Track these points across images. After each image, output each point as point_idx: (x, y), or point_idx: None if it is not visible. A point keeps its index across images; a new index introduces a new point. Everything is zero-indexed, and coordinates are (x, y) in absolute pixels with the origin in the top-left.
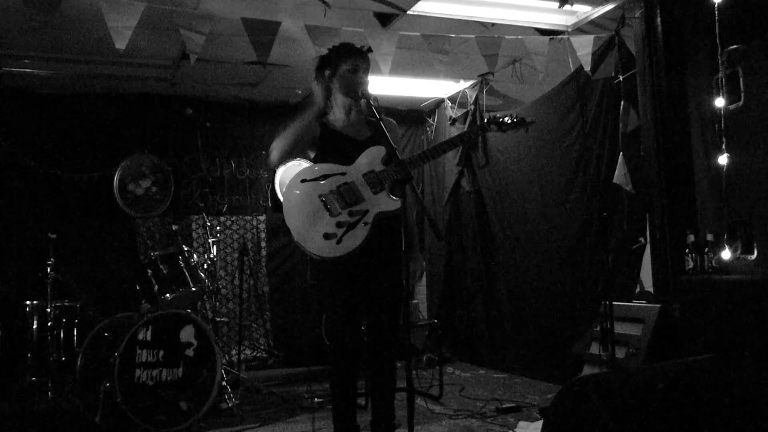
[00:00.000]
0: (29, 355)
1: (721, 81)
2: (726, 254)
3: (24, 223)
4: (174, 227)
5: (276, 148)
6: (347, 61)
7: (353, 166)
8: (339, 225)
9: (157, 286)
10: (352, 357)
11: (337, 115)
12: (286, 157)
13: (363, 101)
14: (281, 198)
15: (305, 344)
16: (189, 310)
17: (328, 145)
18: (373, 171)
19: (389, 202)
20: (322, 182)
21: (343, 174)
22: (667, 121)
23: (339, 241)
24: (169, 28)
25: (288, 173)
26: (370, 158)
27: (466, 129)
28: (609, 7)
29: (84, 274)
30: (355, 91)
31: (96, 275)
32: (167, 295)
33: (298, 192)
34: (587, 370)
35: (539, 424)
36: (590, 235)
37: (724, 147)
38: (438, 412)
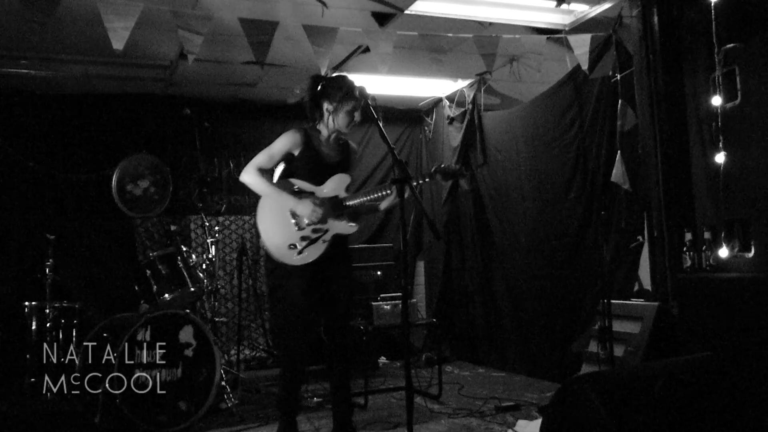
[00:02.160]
0: (28, 355)
1: (718, 79)
2: (723, 252)
3: (22, 223)
4: (172, 227)
5: (251, 180)
6: (350, 103)
7: (322, 188)
8: (303, 239)
9: (155, 287)
10: (304, 358)
11: (323, 132)
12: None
13: (362, 101)
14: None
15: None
16: (188, 311)
17: (306, 162)
18: (336, 197)
19: (345, 227)
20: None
21: (312, 194)
22: (664, 120)
23: (300, 253)
24: (166, 29)
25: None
26: (336, 185)
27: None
28: (606, 6)
29: (83, 275)
30: (349, 127)
31: (95, 276)
32: (166, 295)
33: (272, 201)
34: (586, 368)
35: (538, 422)
36: (588, 233)
37: (721, 145)
38: (437, 411)
